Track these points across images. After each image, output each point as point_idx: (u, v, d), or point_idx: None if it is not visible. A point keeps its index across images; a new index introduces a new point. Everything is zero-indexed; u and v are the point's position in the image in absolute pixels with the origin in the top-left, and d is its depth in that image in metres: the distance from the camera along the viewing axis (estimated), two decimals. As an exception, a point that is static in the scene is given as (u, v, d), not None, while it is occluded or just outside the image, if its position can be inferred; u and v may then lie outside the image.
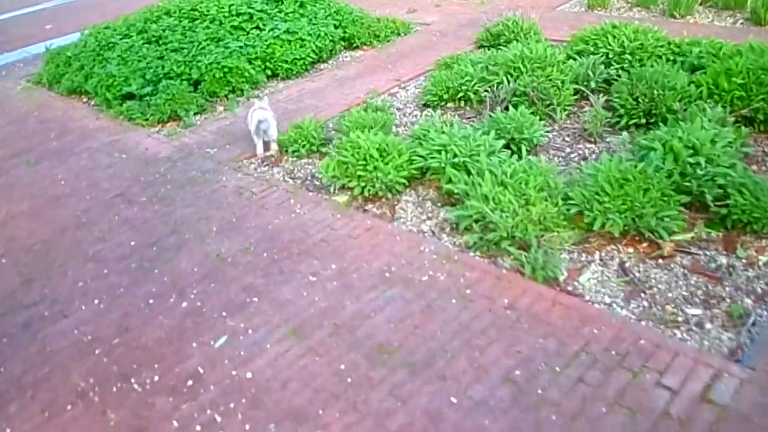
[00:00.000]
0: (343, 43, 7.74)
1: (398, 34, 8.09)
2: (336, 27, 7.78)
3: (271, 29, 7.32)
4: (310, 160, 5.23)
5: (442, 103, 5.83)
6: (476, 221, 3.91)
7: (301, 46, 7.21)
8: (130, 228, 4.53)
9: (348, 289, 3.62)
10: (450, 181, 4.30)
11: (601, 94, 5.28)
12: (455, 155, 4.38)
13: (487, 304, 3.38)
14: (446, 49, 7.24)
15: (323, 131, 5.48)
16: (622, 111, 4.97)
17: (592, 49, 5.87)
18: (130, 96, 6.65)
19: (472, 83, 5.68)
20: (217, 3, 7.43)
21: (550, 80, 5.36)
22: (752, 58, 4.79)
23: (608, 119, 4.97)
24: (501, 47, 6.78)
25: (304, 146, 5.25)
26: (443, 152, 4.43)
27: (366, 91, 6.41)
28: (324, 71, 7.21)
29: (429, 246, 3.93)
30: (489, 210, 3.79)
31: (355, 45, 7.81)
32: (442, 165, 4.37)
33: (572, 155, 4.82)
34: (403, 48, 7.56)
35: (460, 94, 5.73)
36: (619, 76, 5.35)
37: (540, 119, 5.15)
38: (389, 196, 4.53)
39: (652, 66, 5.38)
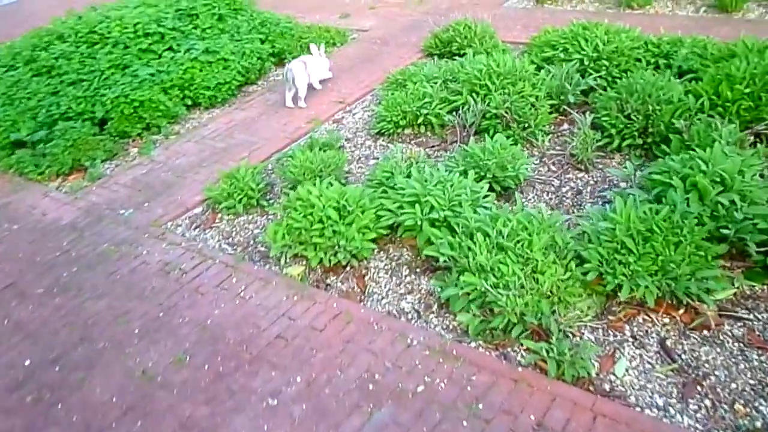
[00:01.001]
0: (272, 59, 6.76)
1: (334, 45, 7.18)
2: (263, 41, 6.79)
3: (188, 50, 6.26)
4: (251, 218, 4.30)
5: (399, 130, 4.98)
6: (472, 299, 3.11)
7: (224, 68, 6.20)
8: (24, 337, 3.49)
9: (322, 416, 2.75)
10: (429, 241, 3.48)
11: (585, 112, 4.57)
12: (432, 207, 3.55)
13: (509, 422, 2.59)
14: (391, 60, 6.40)
15: (262, 178, 4.54)
16: (612, 131, 4.27)
17: (562, 55, 5.16)
18: (19, 144, 5.49)
19: (433, 105, 4.86)
20: (119, 22, 6.29)
21: (524, 97, 4.60)
22: (753, 60, 4.17)
23: (597, 140, 4.25)
24: (455, 56, 6.02)
25: (240, 200, 4.31)
26: (417, 204, 3.60)
27: (307, 119, 5.49)
28: (254, 95, 6.23)
29: (417, 336, 3.10)
30: (489, 286, 2.99)
31: (286, 60, 6.84)
32: (418, 222, 3.53)
33: (563, 189, 4.09)
34: (341, 61, 6.66)
35: (420, 119, 4.89)
36: (605, 89, 4.65)
37: (516, 144, 4.41)
38: (355, 263, 3.66)
39: (632, 72, 4.73)
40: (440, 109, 4.87)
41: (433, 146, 4.82)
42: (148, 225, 4.34)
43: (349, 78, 6.20)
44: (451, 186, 3.65)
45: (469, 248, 3.22)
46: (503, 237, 3.20)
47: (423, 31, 7.06)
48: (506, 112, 4.54)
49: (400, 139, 4.98)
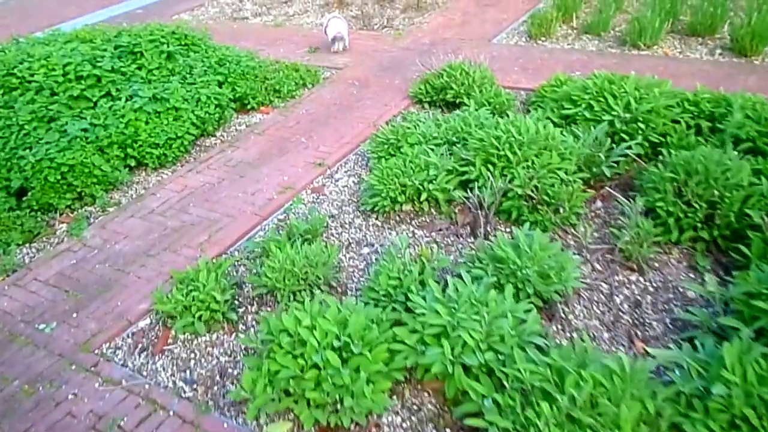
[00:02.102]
0: (233, 106, 5.74)
1: (305, 86, 6.21)
2: (221, 84, 5.77)
3: (130, 97, 5.19)
4: (215, 338, 3.29)
5: (396, 207, 4.05)
6: (544, 502, 2.20)
7: (175, 119, 5.16)
8: None
9: None
10: (463, 392, 2.57)
11: (625, 190, 3.75)
12: (464, 343, 2.64)
13: None
14: (375, 109, 5.49)
15: (228, 278, 3.55)
16: (669, 220, 3.46)
17: (587, 114, 4.34)
18: None
19: (439, 179, 3.96)
20: (45, 62, 5.17)
21: (552, 172, 3.76)
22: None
23: (653, 234, 3.43)
24: (449, 105, 5.17)
25: (201, 317, 3.29)
26: (443, 338, 2.68)
27: (279, 187, 4.51)
28: (212, 152, 5.20)
29: None
30: (571, 492, 2.08)
31: (249, 106, 5.84)
32: (448, 367, 2.61)
33: (616, 299, 3.24)
34: (316, 108, 5.70)
35: (424, 195, 3.98)
36: (648, 159, 3.85)
37: (546, 230, 3.57)
38: (363, 422, 2.70)
39: (671, 136, 4.00)
40: (447, 183, 3.98)
41: (440, 230, 3.92)
42: (76, 349, 3.28)
43: (327, 132, 5.25)
44: (487, 310, 2.75)
45: (528, 419, 2.31)
46: (573, 402, 2.31)
47: (407, 71, 6.19)
48: (533, 191, 3.68)
49: (397, 218, 4.06)
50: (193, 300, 3.28)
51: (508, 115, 4.24)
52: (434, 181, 3.96)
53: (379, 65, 6.48)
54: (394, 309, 3.03)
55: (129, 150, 4.93)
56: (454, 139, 4.39)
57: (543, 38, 6.78)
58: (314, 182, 4.59)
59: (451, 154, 4.19)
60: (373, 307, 3.07)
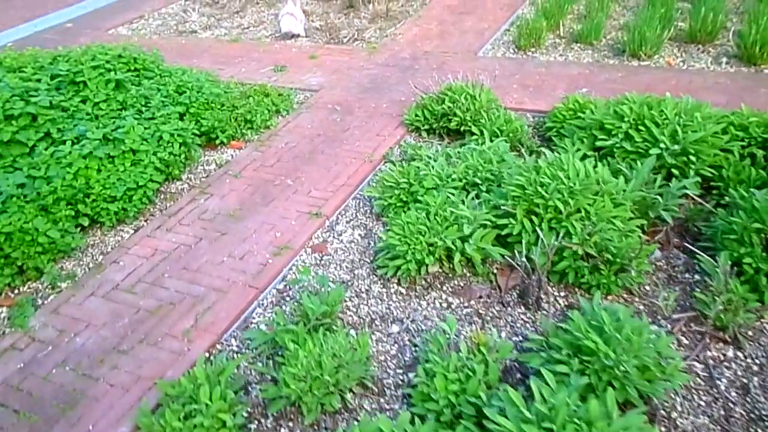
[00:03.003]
0: (199, 141, 4.92)
1: (278, 113, 5.44)
2: (182, 116, 4.93)
3: (77, 140, 4.31)
4: (227, 475, 2.53)
5: (422, 269, 3.38)
6: None
7: (133, 164, 4.32)
8: None
9: None
10: None
11: (703, 244, 3.22)
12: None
13: None
14: (367, 140, 4.80)
15: (232, 379, 2.80)
16: (762, 280, 2.93)
17: (627, 145, 3.79)
18: None
19: (474, 236, 3.31)
20: (-36, 101, 4.23)
21: (611, 222, 3.18)
22: None
23: (745, 300, 2.89)
24: (451, 133, 4.54)
25: (206, 446, 2.53)
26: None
27: (272, 247, 3.76)
28: (182, 201, 4.37)
29: None
30: None
31: (218, 141, 5.03)
32: None
33: (720, 384, 2.68)
34: (297, 141, 4.95)
35: (457, 256, 3.33)
36: (701, 195, 3.34)
37: (606, 292, 3.00)
38: None
39: (725, 168, 3.51)
40: (482, 239, 3.34)
41: (481, 297, 3.28)
42: (38, 504, 2.45)
43: (316, 171, 4.51)
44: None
45: None
46: None
47: (392, 91, 5.52)
48: (592, 247, 3.09)
49: (423, 283, 3.40)
50: (195, 428, 2.51)
51: (543, 153, 3.63)
52: (469, 240, 3.31)
53: (358, 86, 5.78)
54: (466, 428, 2.37)
55: (80, 206, 4.05)
56: (476, 179, 3.76)
57: (533, 49, 6.25)
58: (313, 238, 3.86)
59: (479, 201, 3.55)
60: (435, 422, 2.41)
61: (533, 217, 3.29)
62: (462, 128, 4.63)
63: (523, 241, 3.18)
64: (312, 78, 6.05)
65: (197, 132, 4.88)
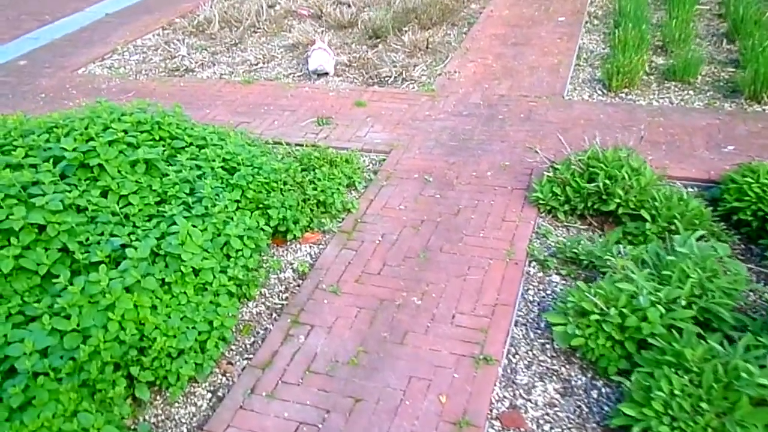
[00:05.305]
0: (267, 239, 3.61)
1: (352, 187, 4.21)
2: (243, 204, 3.63)
3: (109, 258, 2.96)
4: None
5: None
6: None
7: (198, 291, 3.00)
8: None
9: None
10: None
11: None
12: None
13: None
14: (492, 228, 3.70)
15: None
16: None
17: None
18: None
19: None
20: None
21: None
22: None
23: None
24: (602, 215, 3.47)
25: None
26: None
27: (442, 423, 2.58)
28: (273, 340, 3.08)
29: None
30: None
31: (288, 235, 3.74)
32: None
33: None
34: (396, 231, 3.74)
35: (764, 446, 2.23)
36: None
37: None
38: None
39: None
40: (794, 414, 2.25)
41: None
42: None
43: (445, 280, 3.32)
44: None
45: None
46: None
47: (486, 152, 4.45)
48: None
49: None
50: None
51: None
52: (782, 420, 2.22)
53: (438, 144, 4.61)
54: None
55: (133, 368, 2.70)
56: (717, 307, 2.69)
57: (625, 90, 5.28)
58: (494, 400, 2.67)
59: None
60: None
61: None
62: (619, 210, 3.55)
63: None
64: (372, 134, 4.83)
65: (271, 227, 3.58)
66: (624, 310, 2.73)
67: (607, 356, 2.73)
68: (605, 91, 5.30)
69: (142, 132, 3.74)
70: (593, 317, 2.74)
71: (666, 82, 5.41)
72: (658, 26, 6.46)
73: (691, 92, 5.21)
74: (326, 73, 5.84)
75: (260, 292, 3.39)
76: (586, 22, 6.81)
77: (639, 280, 2.85)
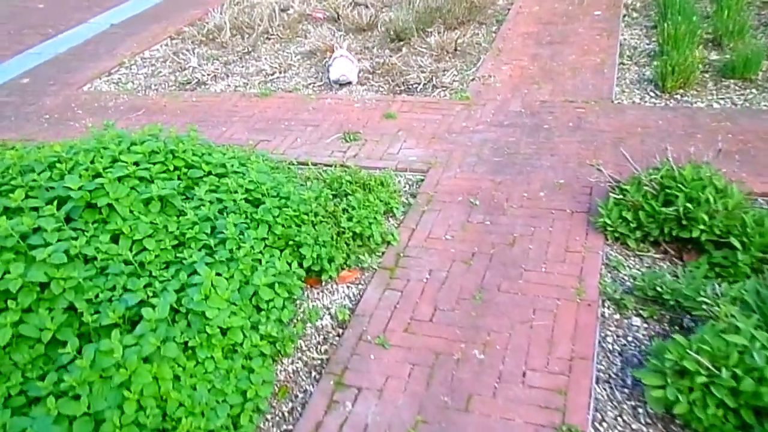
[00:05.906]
0: (300, 284, 3.18)
1: (390, 214, 3.77)
2: (270, 241, 3.20)
3: (123, 319, 2.54)
4: None
5: None
6: None
7: (227, 355, 2.57)
8: None
9: None
10: None
11: None
12: None
13: None
14: (555, 262, 3.26)
15: None
16: None
17: None
18: None
19: None
20: None
21: None
22: None
23: None
24: (685, 244, 3.00)
25: None
26: None
27: None
28: (315, 407, 2.67)
29: None
30: None
31: (323, 275, 3.31)
32: None
33: None
34: (444, 267, 3.31)
35: None
36: None
37: None
38: None
39: None
40: None
41: None
42: None
43: (509, 328, 2.88)
44: None
45: None
46: None
47: (535, 169, 4.01)
48: None
49: None
50: None
51: None
52: None
53: (481, 161, 4.16)
54: None
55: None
56: None
57: (680, 91, 4.80)
58: (590, 487, 2.23)
59: None
60: None
61: None
62: (702, 237, 3.09)
63: None
64: (406, 150, 4.39)
65: (304, 268, 3.15)
66: (736, 370, 2.27)
67: (719, 428, 2.27)
68: (658, 93, 4.82)
69: (155, 163, 3.32)
70: (699, 379, 2.29)
71: (723, 80, 4.92)
72: (704, 17, 5.96)
73: (753, 91, 4.72)
74: (349, 83, 5.40)
75: (296, 345, 2.96)
76: (624, 16, 6.32)
77: (749, 329, 2.39)
